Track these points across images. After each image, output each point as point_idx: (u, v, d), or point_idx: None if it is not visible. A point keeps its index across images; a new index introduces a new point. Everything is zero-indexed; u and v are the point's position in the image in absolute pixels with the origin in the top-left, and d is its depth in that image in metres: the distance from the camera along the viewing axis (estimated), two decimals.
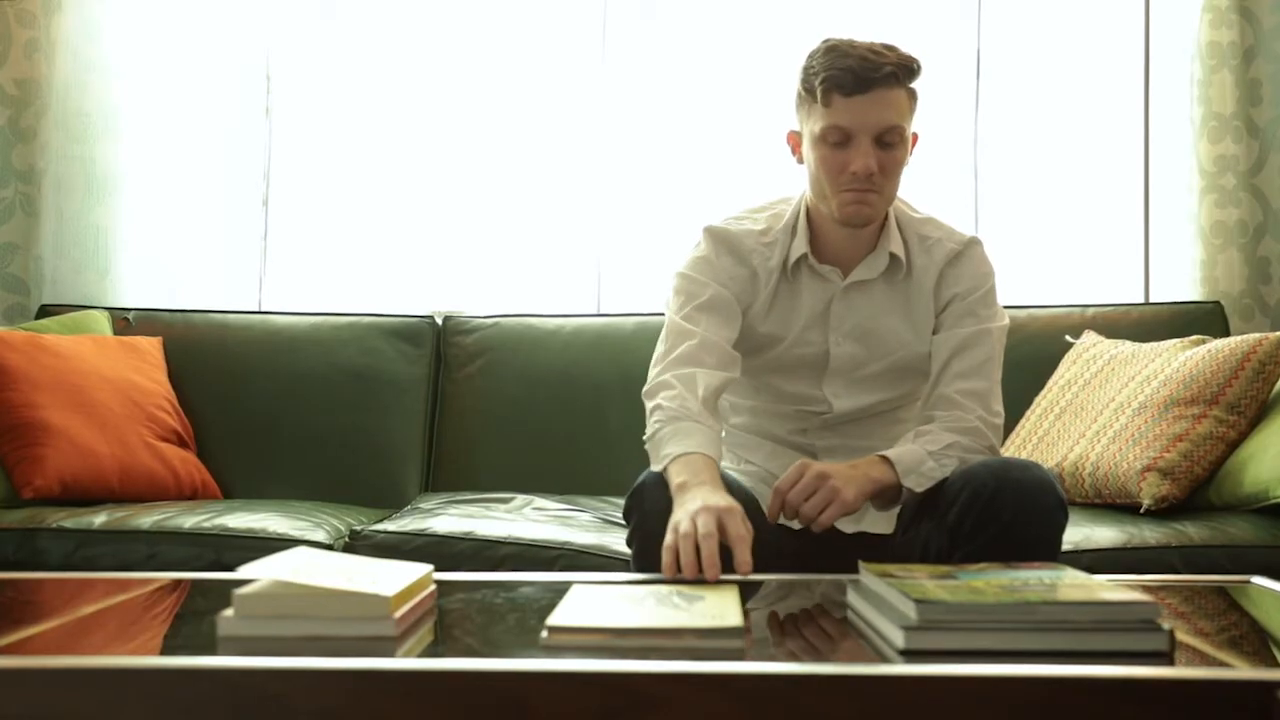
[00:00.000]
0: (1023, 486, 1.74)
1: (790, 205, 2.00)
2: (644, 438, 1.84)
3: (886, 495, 1.82)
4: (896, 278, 1.97)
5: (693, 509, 1.59)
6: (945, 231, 1.99)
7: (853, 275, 1.96)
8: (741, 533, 1.57)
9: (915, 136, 1.92)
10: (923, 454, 1.83)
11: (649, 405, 1.87)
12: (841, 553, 1.85)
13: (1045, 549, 1.74)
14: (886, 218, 1.97)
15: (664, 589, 1.43)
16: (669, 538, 1.58)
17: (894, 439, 2.02)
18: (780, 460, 2.02)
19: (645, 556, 1.75)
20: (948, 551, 1.77)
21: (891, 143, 1.85)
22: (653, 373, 1.91)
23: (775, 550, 1.92)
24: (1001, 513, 1.72)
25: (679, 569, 1.54)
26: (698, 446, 1.76)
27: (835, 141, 1.84)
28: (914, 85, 1.87)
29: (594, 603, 1.33)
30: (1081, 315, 2.93)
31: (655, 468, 1.79)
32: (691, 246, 2.01)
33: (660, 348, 1.94)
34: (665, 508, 1.71)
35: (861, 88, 1.81)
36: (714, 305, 1.94)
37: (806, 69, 1.88)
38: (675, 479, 1.72)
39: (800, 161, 1.94)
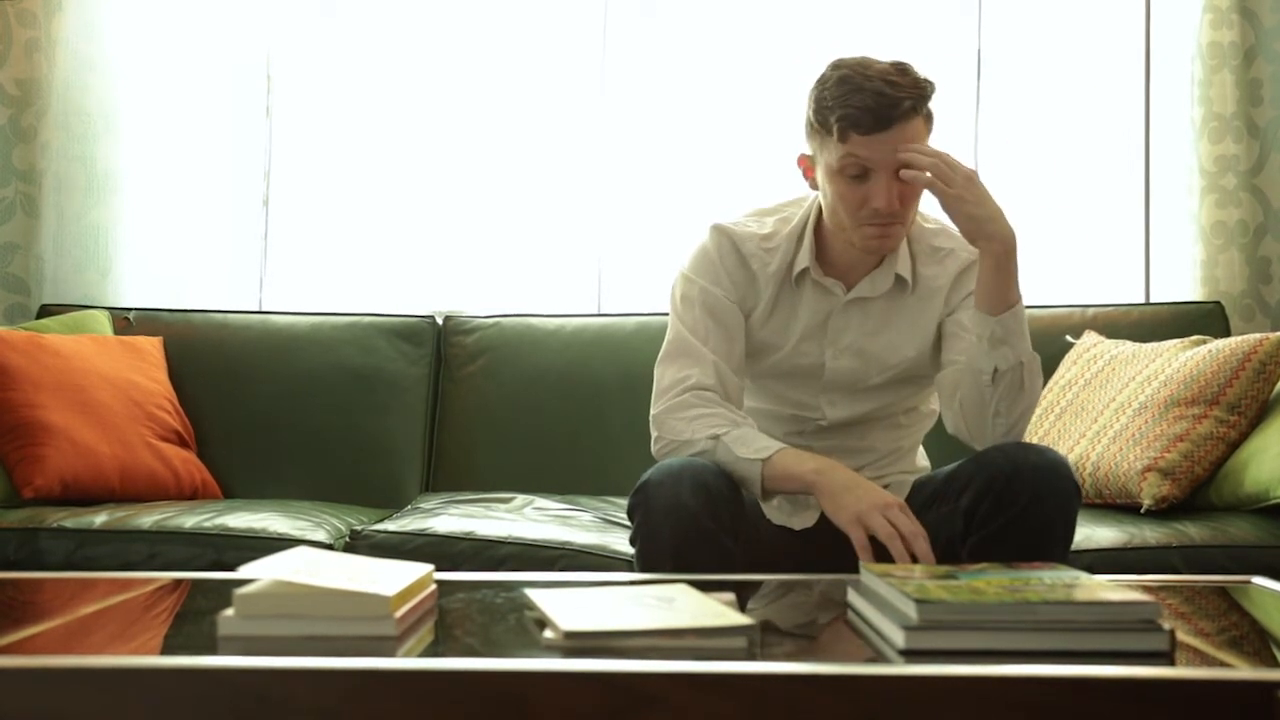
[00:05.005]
0: (1040, 471, 1.73)
1: (800, 209, 1.97)
2: (707, 437, 1.82)
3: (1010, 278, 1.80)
4: (900, 293, 1.95)
5: (876, 502, 1.69)
6: (958, 242, 1.95)
7: (855, 291, 1.94)
8: (920, 529, 1.67)
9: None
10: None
11: (682, 420, 1.85)
12: (847, 548, 1.85)
13: (1062, 531, 1.74)
14: None
15: (637, 589, 1.42)
16: (861, 531, 1.68)
17: (893, 441, 2.01)
18: None
19: (650, 555, 1.74)
20: (961, 536, 1.76)
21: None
22: (669, 394, 1.88)
23: (776, 550, 1.93)
24: (1019, 496, 1.71)
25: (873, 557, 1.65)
26: (779, 444, 1.81)
27: (854, 175, 1.80)
28: (927, 107, 1.82)
29: (577, 606, 1.32)
30: (1082, 315, 2.93)
31: (749, 455, 1.79)
32: (696, 244, 1.98)
33: (670, 366, 1.91)
34: (671, 505, 1.71)
35: (880, 126, 1.77)
36: (718, 313, 1.92)
37: (819, 101, 1.82)
38: (801, 465, 1.78)
39: (813, 187, 1.91)
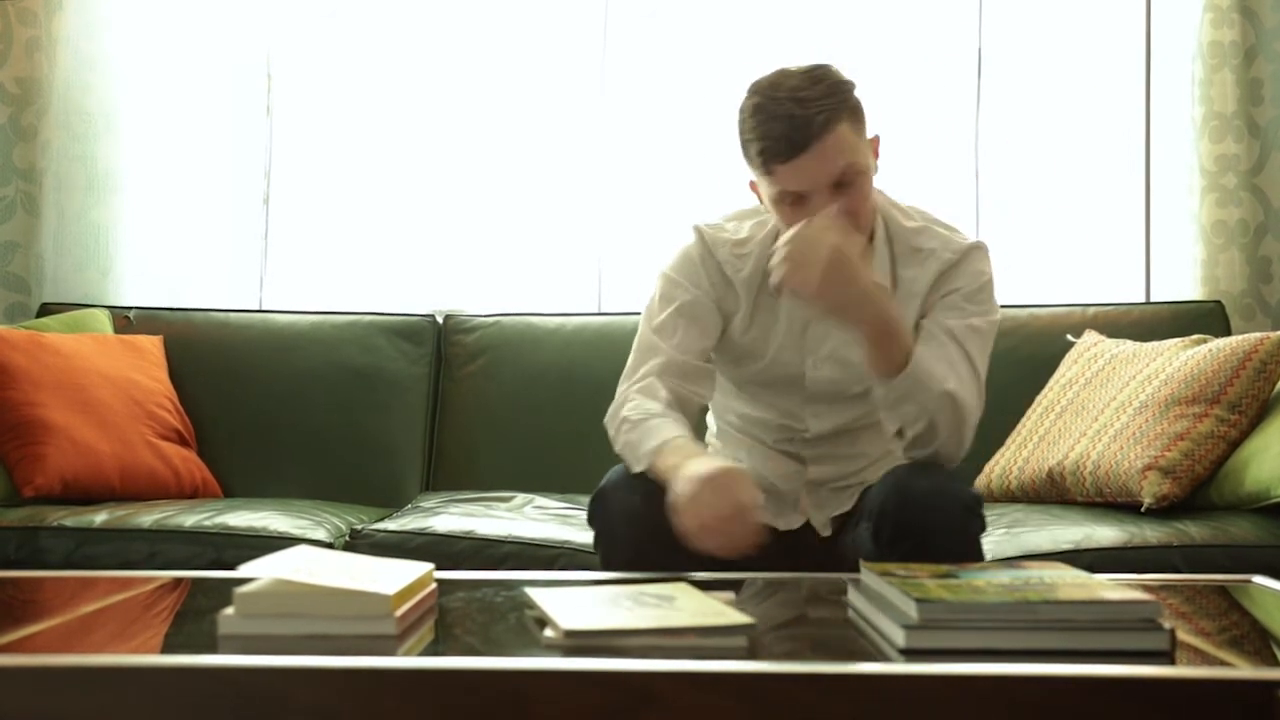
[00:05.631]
0: (926, 501, 1.70)
1: None
2: (617, 450, 1.80)
3: (886, 340, 1.74)
4: None
5: (708, 520, 1.56)
6: (941, 240, 1.89)
7: None
8: (756, 497, 1.57)
9: (876, 140, 1.82)
10: (941, 371, 1.75)
11: (614, 424, 1.82)
12: (833, 548, 1.85)
13: (959, 559, 1.71)
14: (873, 236, 1.87)
15: (637, 588, 1.42)
16: (679, 525, 1.57)
17: (884, 445, 1.97)
18: (771, 464, 2.00)
19: (610, 560, 1.76)
20: (875, 557, 1.74)
21: (851, 180, 1.74)
22: (619, 389, 1.87)
23: (763, 549, 1.92)
24: (910, 527, 1.68)
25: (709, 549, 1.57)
26: (676, 433, 1.72)
27: (792, 204, 1.76)
28: (850, 108, 1.74)
29: (576, 605, 1.32)
30: (1082, 314, 2.93)
31: (639, 468, 1.74)
32: (679, 244, 1.95)
33: (629, 361, 1.90)
34: (626, 511, 1.71)
35: (798, 150, 1.71)
36: (691, 311, 1.89)
37: (740, 133, 1.78)
38: (663, 464, 1.68)
39: (768, 210, 1.87)
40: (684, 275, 1.91)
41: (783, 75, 1.75)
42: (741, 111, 1.78)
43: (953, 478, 1.78)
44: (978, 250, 1.90)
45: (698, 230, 1.94)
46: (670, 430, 1.74)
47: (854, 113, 1.75)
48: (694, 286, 1.90)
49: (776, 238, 1.89)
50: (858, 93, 1.77)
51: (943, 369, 1.77)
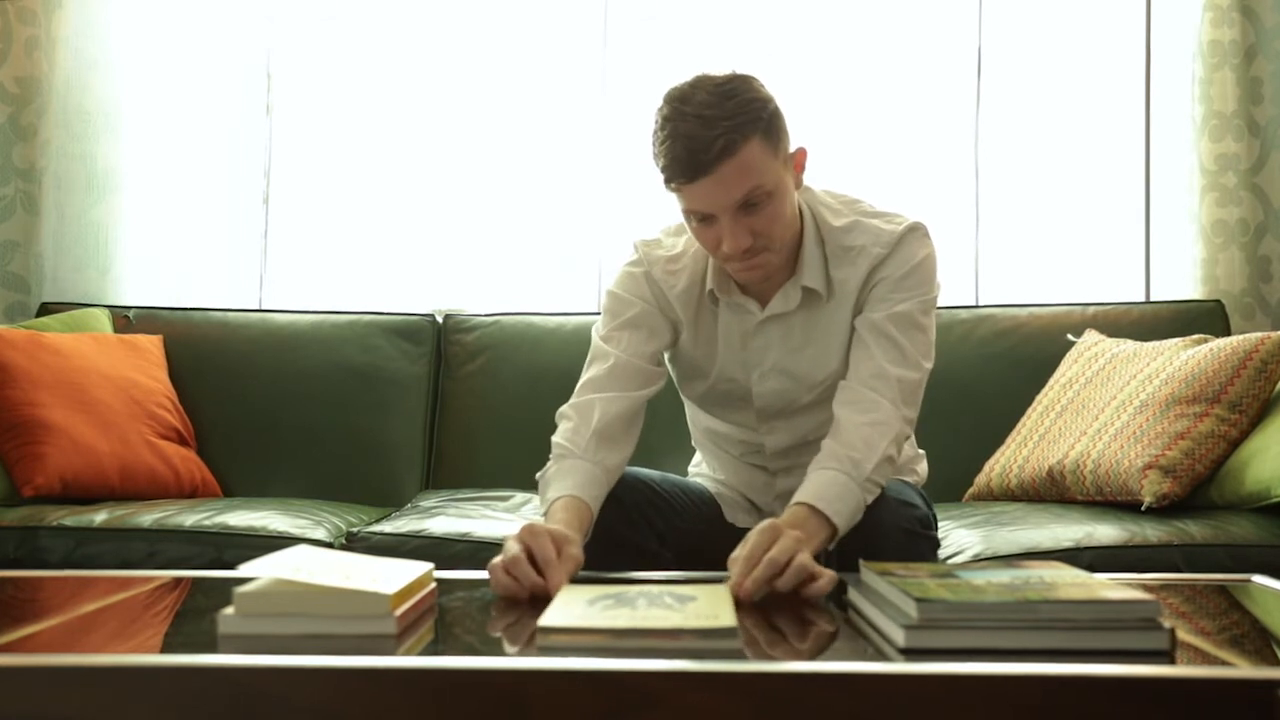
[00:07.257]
0: (870, 533, 1.68)
1: None
2: (536, 475, 1.80)
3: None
4: (816, 304, 1.86)
5: (508, 547, 1.52)
6: (871, 235, 1.83)
7: (769, 309, 1.86)
8: (549, 556, 1.48)
9: (801, 153, 1.77)
10: (858, 497, 1.68)
11: (553, 438, 1.82)
12: None
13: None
14: (802, 239, 1.84)
15: (651, 588, 1.42)
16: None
17: None
18: (741, 476, 2.02)
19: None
20: (838, 565, 1.74)
21: (758, 201, 1.69)
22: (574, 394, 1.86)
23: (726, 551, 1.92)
24: (853, 560, 1.63)
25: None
26: (571, 489, 1.70)
27: (699, 220, 1.73)
28: (763, 125, 1.67)
29: (586, 603, 1.32)
30: (1082, 314, 2.93)
31: (540, 511, 1.74)
32: (623, 260, 1.94)
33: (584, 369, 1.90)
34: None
35: (699, 173, 1.65)
36: (637, 321, 1.88)
37: (651, 143, 1.71)
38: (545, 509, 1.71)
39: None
40: (628, 291, 1.90)
41: (695, 87, 1.68)
42: (654, 120, 1.70)
43: (901, 500, 1.75)
44: (910, 234, 1.83)
45: (635, 247, 1.93)
46: (565, 484, 1.72)
47: (767, 131, 1.69)
48: (639, 300, 1.89)
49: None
50: (779, 106, 1.72)
51: (861, 437, 1.71)
